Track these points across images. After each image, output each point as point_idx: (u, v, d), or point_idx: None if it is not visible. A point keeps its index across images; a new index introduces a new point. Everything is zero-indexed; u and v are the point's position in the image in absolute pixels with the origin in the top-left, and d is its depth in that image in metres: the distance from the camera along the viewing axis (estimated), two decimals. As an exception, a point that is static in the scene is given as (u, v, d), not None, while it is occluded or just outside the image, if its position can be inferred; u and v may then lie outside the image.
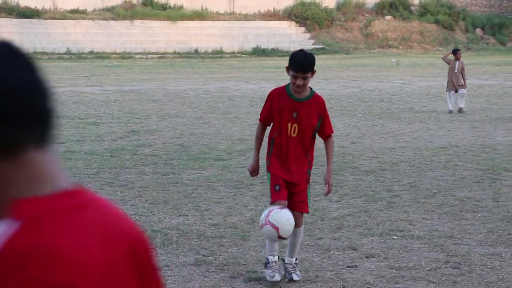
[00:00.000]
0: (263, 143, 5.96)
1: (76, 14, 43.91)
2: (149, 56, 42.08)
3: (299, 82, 5.64)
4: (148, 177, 9.93)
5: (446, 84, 19.33)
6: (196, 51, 43.58)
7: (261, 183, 9.49)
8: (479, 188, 9.41)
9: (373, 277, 5.87)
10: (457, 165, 11.11)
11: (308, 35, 48.62)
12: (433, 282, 5.79)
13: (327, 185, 5.86)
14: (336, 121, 16.36)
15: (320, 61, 42.78)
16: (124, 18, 44.55)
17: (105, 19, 44.52)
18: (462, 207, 8.32)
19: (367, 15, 50.81)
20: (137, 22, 45.07)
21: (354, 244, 6.78)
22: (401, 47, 49.54)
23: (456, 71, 18.86)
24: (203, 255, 6.39)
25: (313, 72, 5.68)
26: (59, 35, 42.63)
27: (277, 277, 5.70)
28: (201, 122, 16.00)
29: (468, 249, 6.67)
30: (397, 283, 5.77)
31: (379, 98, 21.92)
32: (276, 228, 5.46)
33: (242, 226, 7.38)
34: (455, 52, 19.20)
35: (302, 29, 49.01)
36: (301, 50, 5.76)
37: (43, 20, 43.00)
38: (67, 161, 10.97)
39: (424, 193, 9.03)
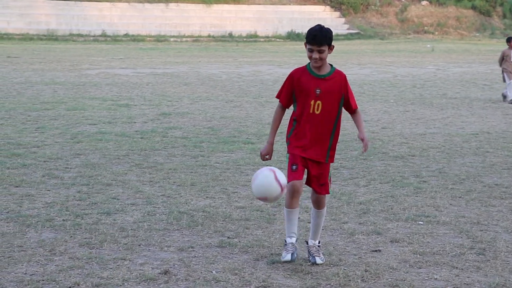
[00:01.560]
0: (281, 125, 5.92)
1: (111, -3, 44.13)
2: (184, 39, 42.20)
3: (315, 55, 5.60)
4: (177, 159, 10.00)
5: (502, 75, 18.47)
6: (230, 35, 43.58)
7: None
8: (509, 175, 9.31)
9: (396, 262, 5.86)
10: (487, 151, 11.00)
11: (343, 19, 48.31)
12: (456, 267, 5.76)
13: (363, 141, 5.73)
14: (367, 106, 16.30)
15: (354, 46, 42.63)
16: (159, 1, 44.69)
17: (140, 1, 44.70)
18: (490, 194, 8.25)
19: (403, 0, 50.29)
20: (172, 5, 45.17)
21: (379, 229, 6.77)
22: (436, 32, 48.99)
23: None
24: (228, 237, 6.43)
25: (330, 46, 5.63)
26: (94, 17, 42.93)
27: (288, 257, 5.65)
28: (232, 106, 16.04)
29: (494, 236, 6.62)
30: (420, 268, 5.76)
31: (412, 84, 21.74)
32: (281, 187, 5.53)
33: (268, 209, 7.41)
34: (509, 40, 18.56)
35: (337, 13, 48.70)
36: (318, 25, 5.70)
37: (79, 2, 43.32)
38: (98, 142, 11.09)
39: (453, 179, 8.97)
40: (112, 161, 9.74)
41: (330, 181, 5.86)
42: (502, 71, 18.31)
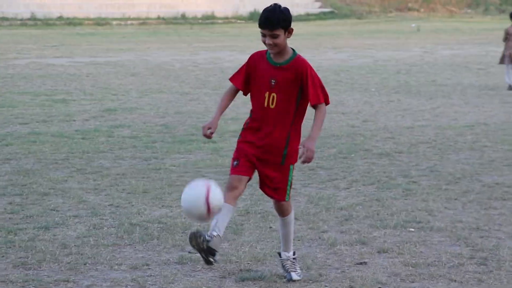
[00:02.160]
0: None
1: (42, -27, 43.79)
2: (129, 22, 42.01)
3: (269, 41, 5.56)
4: (126, 162, 9.95)
5: (501, 55, 18.63)
6: (183, 16, 43.50)
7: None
8: (510, 172, 9.44)
9: (385, 276, 5.91)
10: (485, 146, 11.14)
11: (313, -4, 48.51)
12: (455, 280, 5.82)
13: (301, 148, 5.49)
14: (345, 96, 16.40)
15: (328, 27, 42.89)
16: (98, -22, 44.40)
17: (77, -21, 44.40)
18: (490, 195, 8.35)
19: (382, -28, 50.72)
20: (114, -17, 44.95)
21: (364, 238, 6.82)
22: (422, 9, 49.46)
23: None
24: (189, 252, 6.42)
25: (288, 30, 5.57)
26: (22, -2, 42.50)
27: (192, 231, 5.43)
28: (188, 99, 16.02)
29: (496, 243, 6.71)
30: (413, 281, 5.81)
31: (395, 70, 21.94)
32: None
33: (234, 218, 7.41)
34: None
35: (307, -11, 48.90)
36: (272, 4, 5.63)
37: (3, -19, 42.89)
38: (31, 144, 10.99)
39: (447, 179, 9.06)
40: (49, 166, 9.66)
41: (289, 185, 5.72)
42: (504, 53, 18.40)
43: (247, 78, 5.75)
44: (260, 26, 5.60)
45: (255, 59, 5.74)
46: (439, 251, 6.50)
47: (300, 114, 5.71)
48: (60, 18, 41.33)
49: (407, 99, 16.12)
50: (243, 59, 21.36)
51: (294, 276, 5.80)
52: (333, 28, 40.51)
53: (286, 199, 5.78)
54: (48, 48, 28.08)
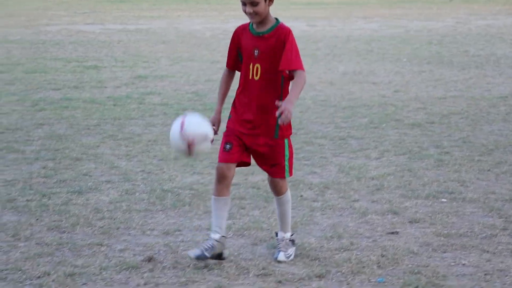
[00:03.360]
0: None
1: None
2: (159, -11, 41.85)
3: (249, 9, 5.31)
4: (157, 129, 9.99)
5: None
6: (213, -16, 43.24)
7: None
8: (544, 145, 9.37)
9: (417, 245, 5.90)
10: (518, 117, 11.05)
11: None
12: (487, 251, 5.80)
13: (279, 107, 5.15)
14: (376, 66, 16.31)
15: (358, -5, 41.48)
16: None
17: None
18: (523, 166, 8.30)
19: None
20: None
21: (395, 208, 6.81)
22: (455, -20, 48.84)
23: None
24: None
25: None
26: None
27: (194, 253, 5.37)
28: (218, 67, 16.00)
29: (529, 215, 6.67)
30: (445, 252, 5.80)
31: (427, 40, 21.75)
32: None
33: (265, 186, 7.42)
34: None
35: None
36: None
37: None
38: (63, 110, 11.06)
39: (479, 150, 9.01)
40: (81, 132, 9.73)
41: (286, 160, 5.53)
42: None
43: (235, 55, 5.53)
44: None
45: (238, 33, 5.51)
46: (471, 222, 6.47)
47: (287, 84, 5.45)
48: (90, -15, 41.30)
49: (439, 70, 15.99)
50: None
51: (281, 256, 5.54)
52: (364, -3, 40.18)
53: (286, 176, 5.56)
54: (78, 15, 28.14)
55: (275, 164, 5.53)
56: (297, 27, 24.39)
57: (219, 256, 5.46)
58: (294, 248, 5.67)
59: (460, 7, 34.58)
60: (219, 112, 5.60)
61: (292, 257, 5.59)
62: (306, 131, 9.96)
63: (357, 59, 17.51)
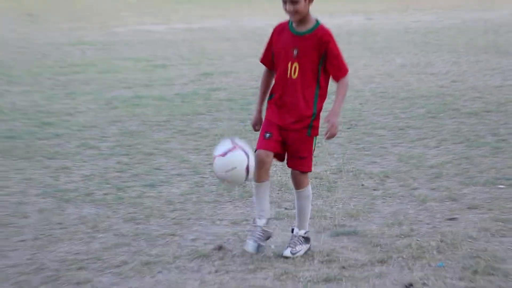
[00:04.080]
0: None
1: None
2: (221, -11, 42.01)
3: (289, 7, 5.27)
4: (224, 124, 10.11)
5: None
6: (273, -18, 43.22)
7: (348, 128, 9.55)
8: None
9: (475, 231, 5.90)
10: None
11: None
12: (544, 236, 5.78)
13: (327, 123, 5.26)
14: (434, 57, 16.17)
15: (412, -13, 40.81)
16: None
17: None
18: None
19: None
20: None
21: (454, 195, 6.81)
22: (510, -31, 47.90)
23: None
24: (285, 208, 6.54)
25: None
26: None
27: (250, 247, 5.42)
28: (280, 62, 16.04)
29: None
30: (503, 236, 5.79)
31: (484, 30, 21.45)
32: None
33: (328, 176, 7.49)
34: None
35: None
36: None
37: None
38: (135, 107, 11.26)
39: (536, 137, 8.92)
40: (152, 128, 9.91)
41: (311, 157, 5.50)
42: None
43: (272, 53, 5.49)
44: None
45: (277, 31, 5.48)
46: (528, 207, 6.44)
47: (324, 84, 5.42)
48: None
49: (496, 59, 15.78)
50: (333, 23, 21.10)
51: (287, 251, 5.46)
52: (420, -11, 39.70)
53: (308, 170, 5.50)
54: (146, 15, 28.47)
55: (304, 158, 5.44)
56: (355, 21, 24.30)
57: (269, 238, 5.57)
58: (306, 246, 5.53)
59: (515, -4, 33.93)
60: (260, 112, 5.59)
61: (299, 254, 5.46)
62: (365, 122, 9.98)
63: (414, 51, 17.39)
